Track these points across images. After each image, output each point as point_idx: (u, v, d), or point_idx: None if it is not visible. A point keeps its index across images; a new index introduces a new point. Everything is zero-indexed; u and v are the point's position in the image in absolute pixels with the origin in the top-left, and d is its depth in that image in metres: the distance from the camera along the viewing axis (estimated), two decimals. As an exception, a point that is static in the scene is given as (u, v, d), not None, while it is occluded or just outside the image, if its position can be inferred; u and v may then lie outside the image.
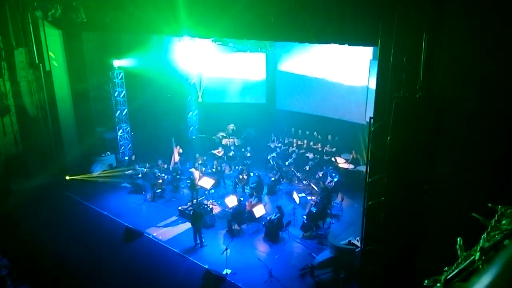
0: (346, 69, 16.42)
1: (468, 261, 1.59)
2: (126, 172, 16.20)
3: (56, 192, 15.02)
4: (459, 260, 1.66)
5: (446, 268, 1.69)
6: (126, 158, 17.56)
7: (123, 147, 17.78)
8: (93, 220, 13.47)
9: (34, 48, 14.72)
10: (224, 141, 18.28)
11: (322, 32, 9.00)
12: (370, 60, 15.12)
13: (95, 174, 16.47)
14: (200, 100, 19.50)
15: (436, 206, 7.55)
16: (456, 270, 1.62)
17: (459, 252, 1.69)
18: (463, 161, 7.10)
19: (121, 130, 17.59)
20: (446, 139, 7.20)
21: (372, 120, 8.02)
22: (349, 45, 9.62)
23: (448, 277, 1.63)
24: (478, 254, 1.53)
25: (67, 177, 15.70)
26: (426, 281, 1.69)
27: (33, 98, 15.58)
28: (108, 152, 17.26)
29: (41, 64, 14.85)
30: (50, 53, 15.04)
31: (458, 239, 1.75)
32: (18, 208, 13.47)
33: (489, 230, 1.62)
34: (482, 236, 1.60)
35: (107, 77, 17.10)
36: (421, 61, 6.92)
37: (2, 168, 15.30)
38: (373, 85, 12.53)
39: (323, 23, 8.79)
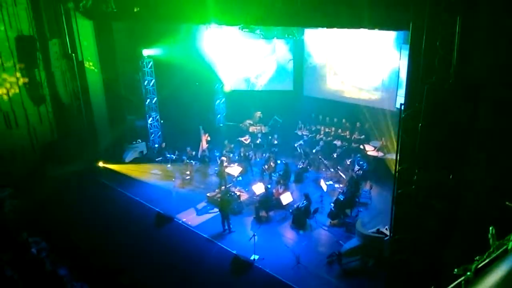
0: (375, 54, 16.02)
1: (500, 250, 1.56)
2: (156, 159, 16.59)
3: (90, 178, 15.55)
4: (491, 249, 1.63)
5: (477, 257, 1.66)
6: (156, 145, 17.95)
7: (153, 134, 18.15)
8: (126, 205, 13.90)
9: (67, 39, 15.14)
10: (251, 129, 18.33)
11: (351, 17, 8.80)
12: (401, 44, 14.70)
13: (127, 160, 16.95)
14: (227, 88, 19.57)
15: (468, 194, 7.36)
16: (488, 260, 1.60)
17: (491, 241, 1.66)
18: (497, 149, 6.85)
19: (151, 118, 17.94)
20: (480, 126, 6.96)
21: (403, 106, 7.84)
22: (379, 29, 9.39)
23: (479, 266, 1.60)
24: (511, 243, 1.50)
25: (101, 164, 16.23)
26: (456, 270, 1.67)
27: (67, 87, 16.09)
28: (139, 140, 17.68)
29: (73, 54, 15.28)
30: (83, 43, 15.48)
31: (491, 228, 1.72)
32: (54, 194, 14.05)
33: (523, 219, 1.58)
34: (516, 226, 1.56)
35: (137, 66, 17.41)
36: (455, 45, 6.67)
37: (39, 154, 15.97)
38: (404, 70, 12.21)
39: (352, 8, 8.59)
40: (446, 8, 6.67)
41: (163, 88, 17.94)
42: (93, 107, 16.20)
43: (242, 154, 15.98)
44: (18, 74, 14.94)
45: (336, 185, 14.05)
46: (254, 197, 13.40)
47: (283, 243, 11.39)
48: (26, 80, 15.15)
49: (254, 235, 10.75)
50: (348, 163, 15.03)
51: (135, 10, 12.29)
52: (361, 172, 13.96)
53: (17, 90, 14.96)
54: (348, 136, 16.77)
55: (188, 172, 15.40)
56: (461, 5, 6.47)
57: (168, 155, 16.24)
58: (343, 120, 17.26)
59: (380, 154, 15.32)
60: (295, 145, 16.63)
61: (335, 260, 10.42)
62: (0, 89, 14.54)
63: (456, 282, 1.68)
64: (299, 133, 17.80)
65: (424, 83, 7.12)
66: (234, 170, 14.55)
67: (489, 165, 6.96)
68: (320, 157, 15.58)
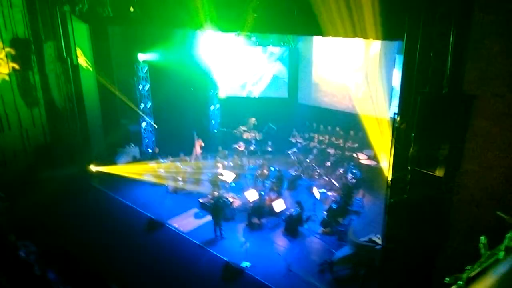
0: (370, 63, 16.16)
1: (491, 260, 1.56)
2: (149, 164, 16.49)
3: (82, 183, 15.41)
4: (482, 259, 1.63)
5: (468, 267, 1.66)
6: (150, 150, 17.86)
7: (146, 139, 18.08)
8: (117, 210, 13.78)
9: (62, 42, 15.07)
10: (245, 135, 18.33)
11: (346, 26, 8.88)
12: (395, 54, 14.84)
13: (119, 165, 16.83)
14: (221, 95, 19.58)
15: (460, 204, 7.40)
16: (479, 269, 1.60)
17: (482, 250, 1.66)
18: (489, 159, 6.91)
19: (144, 123, 17.88)
20: (472, 136, 7.03)
21: (396, 116, 7.90)
22: (374, 39, 9.46)
23: (470, 275, 1.60)
24: (502, 253, 1.50)
25: (93, 168, 16.09)
26: (447, 279, 1.67)
27: (61, 91, 15.99)
28: (132, 144, 17.60)
29: (68, 58, 15.22)
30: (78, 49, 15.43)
31: (482, 237, 1.72)
32: (46, 197, 13.90)
33: (514, 229, 1.58)
34: (507, 236, 1.56)
35: (132, 71, 17.38)
36: (449, 56, 6.76)
37: (31, 158, 15.82)
38: (398, 80, 12.31)
39: (347, 18, 8.67)
40: (440, 19, 6.76)
41: (158, 93, 17.91)
42: (87, 110, 16.08)
43: (235, 161, 15.95)
44: (12, 77, 14.84)
45: (329, 193, 14.04)
46: (247, 204, 13.37)
47: (275, 250, 11.34)
48: (20, 82, 15.05)
49: (246, 242, 10.70)
50: (341, 171, 15.06)
51: (131, 10, 12.21)
52: (354, 180, 13.99)
53: (10, 93, 14.85)
54: (341, 145, 16.82)
55: (180, 178, 15.33)
56: (455, 16, 6.57)
57: (161, 160, 16.16)
58: (337, 128, 17.32)
59: (373, 162, 15.37)
60: (289, 152, 16.65)
61: (327, 268, 10.40)
62: (-8, 91, 14.44)
63: (448, 291, 1.68)
64: (293, 140, 17.81)
65: (418, 93, 7.20)
66: (228, 176, 14.52)
67: (482, 174, 7.02)
68: (313, 164, 15.61)
